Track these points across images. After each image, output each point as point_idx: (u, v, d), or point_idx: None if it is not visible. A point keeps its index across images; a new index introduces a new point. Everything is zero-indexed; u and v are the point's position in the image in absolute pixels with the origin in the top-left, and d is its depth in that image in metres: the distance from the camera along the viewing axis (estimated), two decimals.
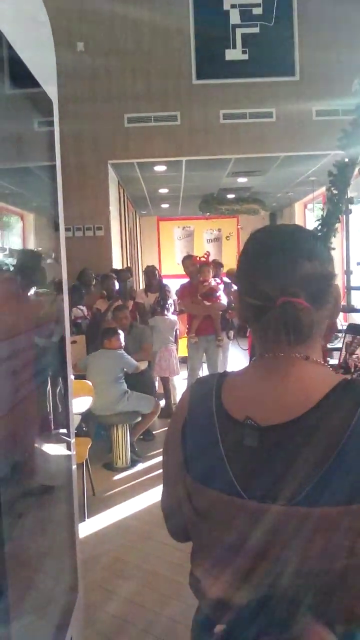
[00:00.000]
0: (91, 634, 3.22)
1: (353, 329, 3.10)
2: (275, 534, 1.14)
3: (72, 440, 2.05)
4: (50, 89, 1.90)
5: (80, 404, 5.09)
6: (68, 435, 2.03)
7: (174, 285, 8.86)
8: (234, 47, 9.75)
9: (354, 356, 1.66)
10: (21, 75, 1.62)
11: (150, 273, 8.80)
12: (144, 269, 9.26)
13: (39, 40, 1.86)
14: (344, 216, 5.76)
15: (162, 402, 7.55)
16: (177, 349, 8.23)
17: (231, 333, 8.08)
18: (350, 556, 1.12)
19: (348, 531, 1.11)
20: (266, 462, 1.15)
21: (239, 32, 9.68)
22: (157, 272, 9.03)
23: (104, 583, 3.83)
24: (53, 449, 2.03)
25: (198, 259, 8.30)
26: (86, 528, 4.65)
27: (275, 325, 1.17)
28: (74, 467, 2.09)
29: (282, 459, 1.13)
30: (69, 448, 2.02)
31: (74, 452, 2.11)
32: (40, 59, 1.83)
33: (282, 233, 1.29)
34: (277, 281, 1.18)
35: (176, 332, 8.25)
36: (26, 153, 1.98)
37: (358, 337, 1.66)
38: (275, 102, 9.68)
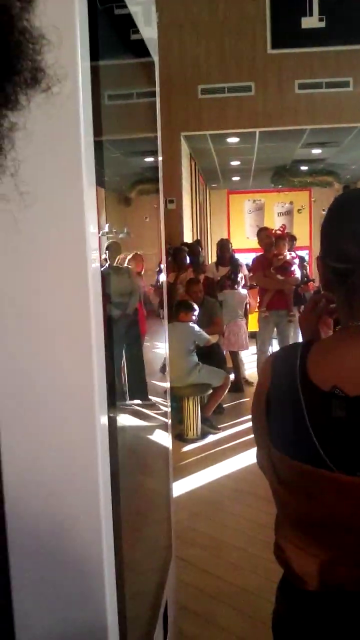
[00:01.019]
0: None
1: None
2: None
3: (169, 420, 2.07)
4: (153, 48, 1.90)
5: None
6: (165, 412, 2.06)
7: (244, 260, 8.80)
8: (311, 14, 9.48)
9: None
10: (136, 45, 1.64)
11: (224, 246, 8.74)
12: (217, 242, 9.21)
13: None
14: None
15: (232, 376, 7.55)
16: (246, 324, 8.19)
17: (302, 309, 7.99)
18: None
19: None
20: (353, 432, 1.13)
21: None
22: (230, 245, 8.98)
23: (176, 551, 3.88)
24: (132, 419, 2.06)
25: (273, 231, 8.20)
26: None
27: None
28: (170, 446, 2.12)
29: None
30: (165, 427, 2.05)
31: (170, 420, 2.13)
32: (147, 21, 1.84)
33: None
34: None
35: (246, 306, 8.20)
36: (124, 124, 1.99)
37: None
38: (353, 71, 9.41)
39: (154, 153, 2.01)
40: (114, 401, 1.91)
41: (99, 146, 1.10)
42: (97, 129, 1.07)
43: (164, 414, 1.98)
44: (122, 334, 2.21)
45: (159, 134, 1.92)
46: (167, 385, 2.14)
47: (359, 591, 1.17)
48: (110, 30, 1.42)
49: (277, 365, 1.30)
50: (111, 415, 1.18)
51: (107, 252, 2.50)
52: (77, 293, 1.06)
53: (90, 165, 1.08)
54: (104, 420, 1.03)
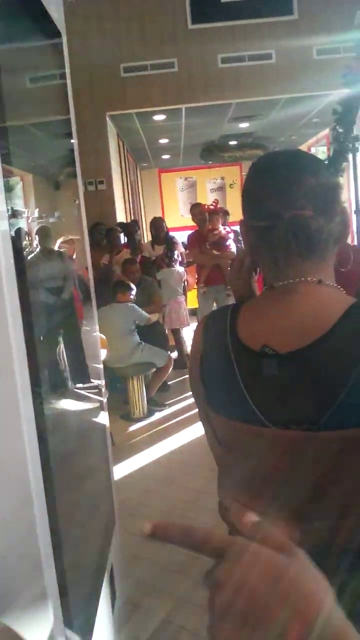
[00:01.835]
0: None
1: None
2: (300, 459, 1.15)
3: (105, 397, 2.07)
4: (60, 24, 1.84)
5: None
6: (99, 391, 2.06)
7: (180, 237, 8.81)
8: None
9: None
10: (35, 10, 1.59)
11: (158, 225, 8.73)
12: (150, 221, 9.18)
13: None
14: (351, 155, 5.68)
15: (175, 354, 7.59)
16: (186, 301, 8.24)
17: None
18: None
19: None
20: (286, 388, 1.15)
21: None
22: (164, 224, 8.97)
23: (131, 527, 3.91)
24: (77, 403, 2.06)
25: (206, 207, 8.23)
26: None
27: (285, 238, 1.18)
28: (107, 422, 2.11)
29: (302, 384, 1.14)
30: (101, 405, 2.05)
31: (105, 398, 2.13)
32: None
33: (285, 154, 1.30)
34: (283, 198, 1.19)
35: (184, 283, 8.24)
36: (31, 108, 1.94)
37: None
38: (275, 43, 9.44)
39: (71, 135, 1.99)
40: (55, 386, 1.90)
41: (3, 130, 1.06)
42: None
43: (99, 393, 1.99)
44: (59, 319, 2.19)
45: (72, 115, 1.89)
46: (100, 365, 2.14)
47: (302, 545, 1.19)
48: (12, 10, 1.39)
49: (209, 328, 1.32)
50: (43, 400, 1.18)
51: (37, 237, 2.47)
52: None
53: None
54: (28, 404, 1.02)
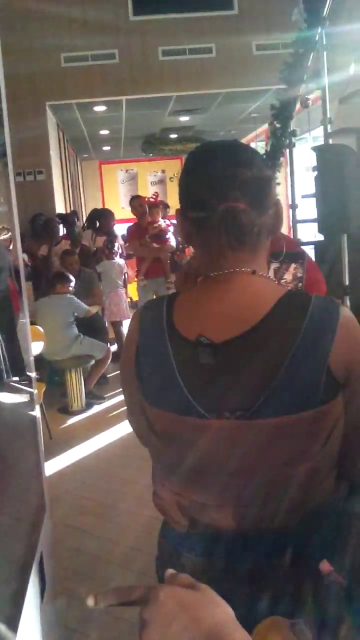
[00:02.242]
0: (57, 569, 3.29)
1: (285, 256, 3.13)
2: (234, 448, 1.17)
3: (35, 389, 2.05)
4: None
5: (31, 349, 5.07)
6: (29, 382, 2.04)
7: (120, 230, 8.78)
8: None
9: (282, 281, 1.71)
10: None
11: (100, 216, 8.67)
12: (89, 213, 9.11)
13: None
14: (288, 150, 5.78)
15: (114, 347, 7.58)
16: (126, 293, 8.22)
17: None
18: (309, 461, 1.17)
19: (308, 437, 1.16)
20: (221, 377, 1.17)
21: None
22: (109, 215, 8.91)
23: (66, 520, 3.90)
24: (13, 397, 2.04)
25: (146, 199, 8.23)
26: (46, 471, 4.70)
27: (218, 231, 1.20)
28: (38, 413, 2.10)
29: (236, 372, 1.16)
30: (31, 396, 2.03)
31: (36, 399, 2.11)
32: None
33: (220, 145, 1.30)
34: (217, 189, 1.20)
35: (125, 275, 8.22)
36: None
37: (285, 264, 1.71)
38: (215, 38, 9.49)
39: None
40: None
41: None
42: None
43: (29, 384, 1.98)
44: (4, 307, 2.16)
45: (3, 105, 1.86)
46: (31, 357, 2.12)
47: (235, 530, 1.22)
48: None
49: (145, 319, 1.31)
50: None
51: None
52: None
53: None
54: None
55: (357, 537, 1.13)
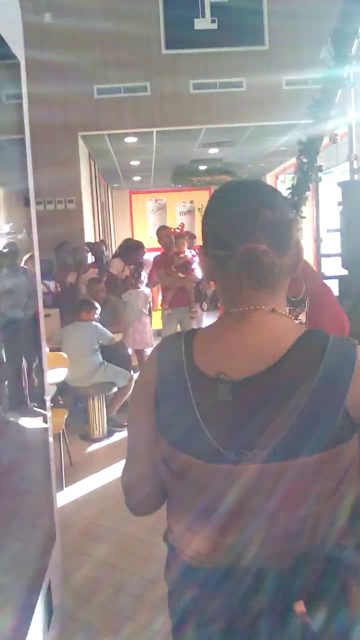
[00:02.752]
0: (69, 596, 3.29)
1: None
2: (253, 491, 1.18)
3: (49, 413, 2.08)
4: (17, 48, 1.88)
5: (55, 375, 5.13)
6: (44, 406, 2.07)
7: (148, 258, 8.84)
8: (203, 16, 9.63)
9: (297, 321, 1.72)
10: None
11: (130, 248, 8.72)
12: (122, 242, 9.21)
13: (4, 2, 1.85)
14: (314, 184, 5.82)
15: (137, 375, 7.58)
16: (151, 322, 8.26)
17: (204, 305, 8.12)
18: (323, 502, 1.18)
19: (324, 477, 1.17)
20: (241, 415, 1.17)
21: (207, 0, 9.58)
22: (139, 247, 8.98)
23: (82, 548, 3.91)
24: (30, 421, 2.07)
25: (172, 230, 8.30)
26: (64, 497, 4.71)
27: (238, 272, 1.21)
28: (51, 438, 2.12)
29: (255, 411, 1.16)
30: (44, 420, 2.06)
31: (50, 424, 2.14)
32: (6, 18, 1.82)
33: (243, 185, 1.33)
34: (239, 229, 1.22)
35: (150, 304, 8.27)
36: None
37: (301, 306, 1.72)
38: (245, 72, 9.63)
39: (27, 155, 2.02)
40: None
41: None
42: None
43: (43, 407, 2.00)
44: (22, 334, 2.21)
45: (27, 136, 1.92)
46: (46, 380, 2.15)
47: (247, 568, 1.22)
48: None
49: (163, 355, 1.32)
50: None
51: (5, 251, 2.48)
52: None
53: None
54: None
55: (339, 588, 1.13)
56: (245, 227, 1.21)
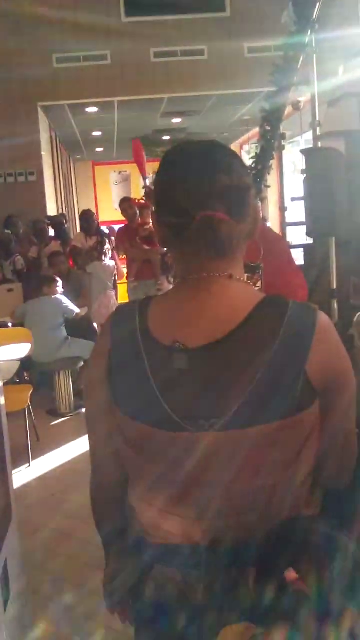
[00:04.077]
0: (42, 574, 3.28)
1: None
2: (212, 460, 1.15)
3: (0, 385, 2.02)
4: None
5: (19, 351, 5.06)
6: None
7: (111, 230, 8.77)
8: None
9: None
10: None
11: (88, 217, 8.64)
12: (80, 214, 9.10)
13: None
14: (278, 153, 5.77)
15: None
16: (116, 295, 8.20)
17: (170, 277, 8.07)
18: (282, 470, 1.15)
19: (283, 446, 1.14)
20: (197, 384, 1.14)
21: None
22: (94, 216, 8.90)
23: (51, 524, 3.88)
24: None
25: (137, 200, 8.21)
26: (31, 473, 4.68)
27: (195, 241, 1.15)
28: (3, 415, 2.06)
29: (213, 379, 1.13)
30: None
31: (3, 401, 2.07)
32: None
33: (197, 148, 1.24)
34: (194, 196, 1.15)
35: (115, 277, 8.20)
36: None
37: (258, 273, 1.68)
38: (207, 40, 9.52)
39: None
40: None
41: None
42: None
43: None
44: None
45: None
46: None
47: (210, 542, 1.19)
48: None
49: (117, 324, 1.27)
50: None
51: None
52: None
53: None
54: None
55: (325, 550, 1.12)
56: (201, 193, 1.15)
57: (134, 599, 1.35)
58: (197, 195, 1.15)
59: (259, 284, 1.27)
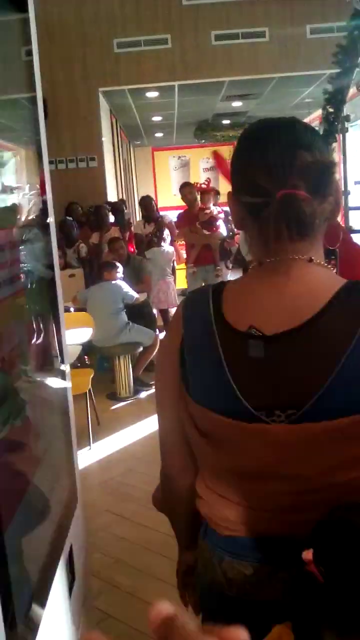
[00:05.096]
0: (99, 555, 3.33)
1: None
2: (285, 453, 1.12)
3: (67, 369, 2.04)
4: (28, 2, 1.78)
5: (80, 336, 5.13)
6: (62, 363, 2.04)
7: (171, 217, 8.76)
8: None
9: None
10: None
11: (147, 204, 8.66)
12: (139, 200, 9.12)
13: None
14: (341, 135, 5.65)
15: (162, 335, 7.58)
16: (175, 281, 8.21)
17: (229, 263, 8.03)
18: (358, 467, 1.11)
19: (357, 442, 1.09)
20: (272, 371, 1.10)
21: None
22: (153, 202, 8.91)
23: (111, 507, 3.94)
24: (52, 381, 2.04)
25: (199, 185, 8.18)
26: (91, 456, 4.75)
27: (276, 220, 1.09)
28: (70, 398, 2.09)
29: (290, 369, 1.09)
30: (63, 377, 2.02)
31: (68, 368, 2.10)
32: None
33: (279, 124, 1.18)
34: (275, 173, 1.10)
35: (174, 263, 8.20)
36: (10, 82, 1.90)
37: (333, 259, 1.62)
38: (268, 22, 9.36)
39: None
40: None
41: None
42: None
43: (63, 370, 1.97)
44: (50, 294, 2.18)
45: (38, 94, 1.85)
46: (65, 344, 2.12)
47: (279, 536, 1.17)
48: None
49: (189, 310, 1.24)
50: None
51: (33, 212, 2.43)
52: None
53: None
54: None
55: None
56: (281, 171, 1.09)
57: (203, 590, 1.36)
58: (278, 173, 1.09)
59: (334, 271, 1.21)
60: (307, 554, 1.09)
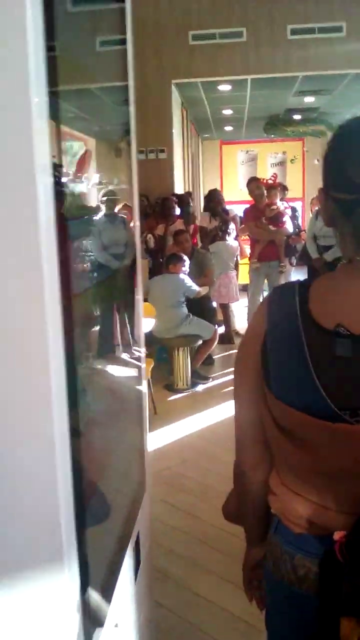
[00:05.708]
0: (155, 547, 3.37)
1: None
2: None
3: (143, 354, 2.07)
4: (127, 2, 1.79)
5: (143, 325, 5.17)
6: (139, 351, 2.07)
7: (237, 211, 8.72)
8: None
9: None
10: None
11: (213, 197, 8.64)
12: (205, 194, 9.12)
13: None
14: None
15: (222, 329, 7.58)
16: (237, 276, 8.17)
17: (294, 259, 7.95)
18: None
19: None
20: (358, 371, 1.09)
21: None
22: (219, 196, 8.88)
23: (165, 497, 3.97)
24: (126, 370, 2.08)
25: (265, 181, 8.12)
26: (149, 444, 4.80)
27: None
28: (144, 389, 2.13)
29: None
30: (139, 370, 2.06)
31: (145, 374, 2.13)
32: None
33: None
34: None
35: (237, 258, 8.17)
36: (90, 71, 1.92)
37: None
38: (346, 16, 9.19)
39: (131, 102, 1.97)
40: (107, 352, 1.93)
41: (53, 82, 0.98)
42: (52, 76, 0.95)
43: (139, 359, 2.00)
44: (120, 284, 2.22)
45: (130, 82, 1.86)
46: (142, 333, 2.15)
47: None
48: None
49: (274, 305, 1.22)
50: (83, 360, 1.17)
51: (103, 200, 2.47)
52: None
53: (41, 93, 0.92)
54: (59, 364, 0.98)
55: None
56: None
57: (271, 585, 1.36)
58: None
59: None
60: (338, 534, 1.09)
